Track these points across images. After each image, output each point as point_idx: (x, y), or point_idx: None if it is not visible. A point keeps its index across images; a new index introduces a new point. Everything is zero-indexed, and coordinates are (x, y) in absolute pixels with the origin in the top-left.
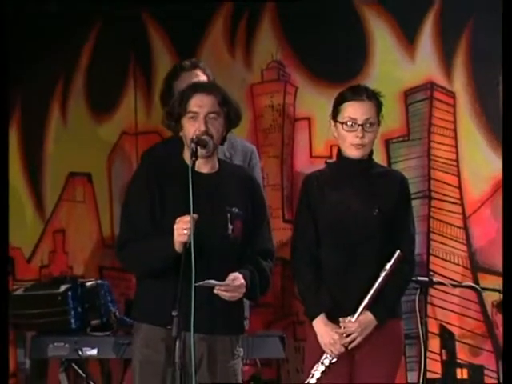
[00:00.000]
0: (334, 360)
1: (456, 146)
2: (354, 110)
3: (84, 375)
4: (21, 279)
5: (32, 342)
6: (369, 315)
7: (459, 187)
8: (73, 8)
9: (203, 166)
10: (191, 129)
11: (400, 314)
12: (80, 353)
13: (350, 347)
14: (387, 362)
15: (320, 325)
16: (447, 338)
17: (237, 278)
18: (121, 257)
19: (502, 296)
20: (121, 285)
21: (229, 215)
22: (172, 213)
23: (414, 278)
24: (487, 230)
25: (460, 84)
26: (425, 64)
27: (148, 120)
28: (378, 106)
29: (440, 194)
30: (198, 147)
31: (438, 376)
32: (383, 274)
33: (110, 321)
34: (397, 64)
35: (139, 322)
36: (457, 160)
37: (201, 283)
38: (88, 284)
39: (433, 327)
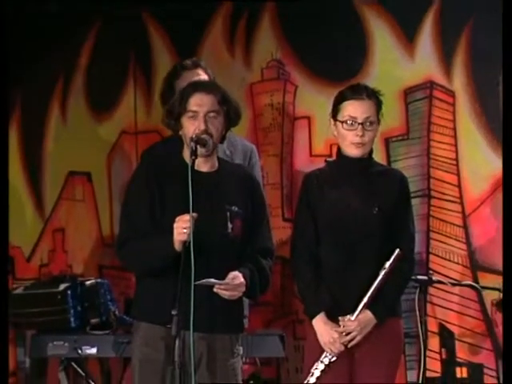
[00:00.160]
0: (334, 359)
1: (455, 145)
2: (354, 109)
3: (83, 374)
4: (20, 278)
5: (32, 341)
6: (368, 314)
7: (459, 186)
8: (73, 7)
9: (203, 165)
10: (191, 127)
11: (400, 313)
12: (79, 351)
13: (349, 346)
14: (387, 361)
15: (320, 323)
16: (447, 337)
17: (236, 277)
18: (120, 255)
19: (501, 295)
20: (120, 284)
21: (228, 214)
22: (172, 212)
23: (413, 277)
24: (487, 229)
25: (460, 83)
26: (424, 63)
27: (148, 119)
28: (378, 105)
29: (439, 193)
30: (198, 146)
31: (438, 375)
32: (383, 273)
33: (110, 320)
34: (396, 63)
35: (139, 321)
36: (456, 159)
37: (200, 282)
38: (87, 283)
39: (432, 326)
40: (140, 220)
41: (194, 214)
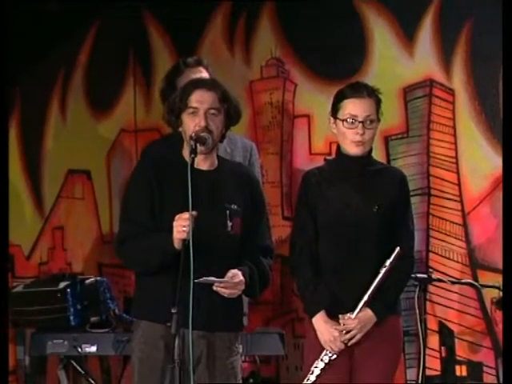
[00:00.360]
0: (334, 357)
1: (455, 143)
2: (354, 107)
3: (83, 372)
4: (20, 276)
5: (31, 339)
6: (368, 312)
7: (458, 184)
8: (73, 6)
9: (202, 163)
10: (191, 124)
11: (399, 311)
12: (79, 350)
13: (349, 344)
14: (387, 359)
15: (319, 322)
16: (446, 335)
17: (236, 275)
18: (120, 253)
19: (501, 293)
20: (120, 282)
21: (228, 212)
22: (171, 210)
23: (413, 275)
24: (486, 227)
25: (459, 81)
26: (424, 61)
27: (147, 117)
28: (378, 103)
29: (439, 191)
30: (198, 144)
31: (437, 373)
32: (383, 271)
33: (110, 318)
34: (396, 61)
35: (138, 319)
36: (456, 157)
37: (200, 280)
38: (87, 281)
39: (432, 324)
40: (140, 218)
41: (194, 212)
